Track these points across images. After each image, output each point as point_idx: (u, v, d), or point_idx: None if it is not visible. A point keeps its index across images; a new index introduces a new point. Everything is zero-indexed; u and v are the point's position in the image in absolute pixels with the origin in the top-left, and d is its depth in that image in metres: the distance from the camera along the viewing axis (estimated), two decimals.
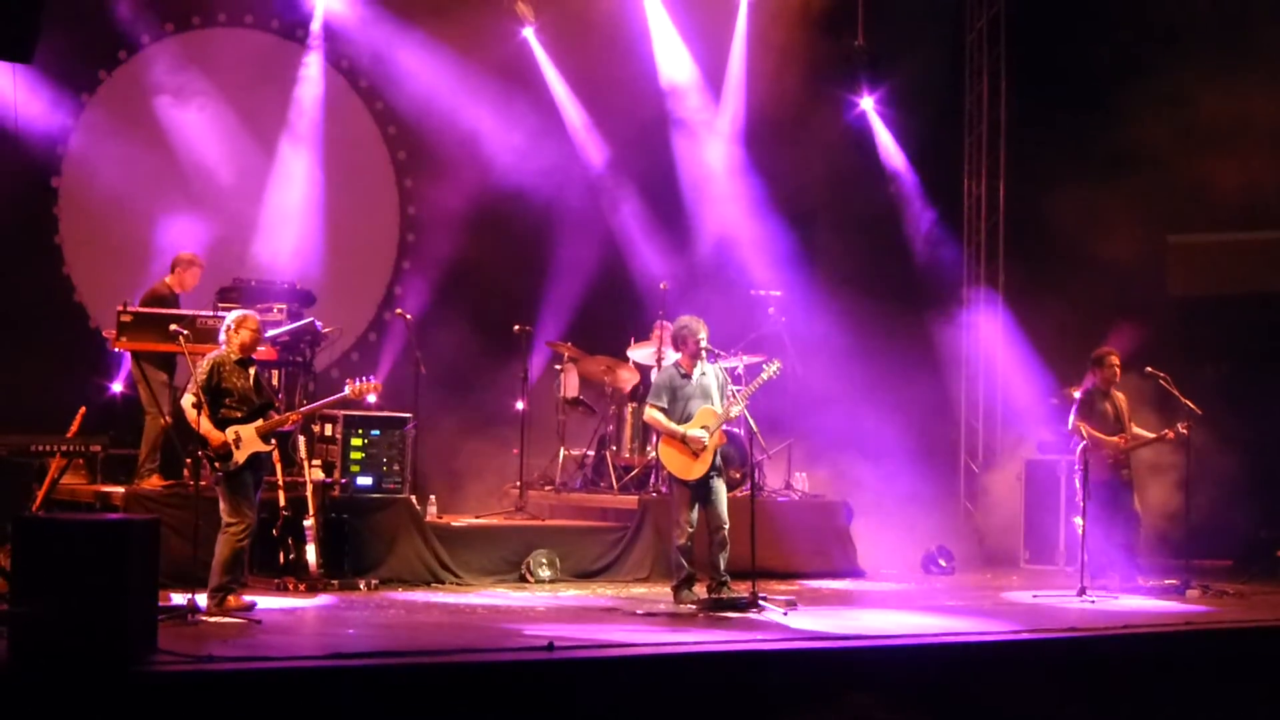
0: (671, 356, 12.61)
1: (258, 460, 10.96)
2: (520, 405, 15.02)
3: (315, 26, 16.16)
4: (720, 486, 12.06)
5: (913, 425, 17.62)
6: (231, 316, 11.23)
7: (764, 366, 12.42)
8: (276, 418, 11.15)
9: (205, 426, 10.75)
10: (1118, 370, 14.21)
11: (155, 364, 13.08)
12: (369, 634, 10.29)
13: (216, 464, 10.80)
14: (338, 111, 16.34)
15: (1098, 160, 17.18)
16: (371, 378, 11.95)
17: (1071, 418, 14.19)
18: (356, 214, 16.55)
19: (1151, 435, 14.08)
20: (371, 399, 12.67)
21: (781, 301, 15.48)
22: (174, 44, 15.78)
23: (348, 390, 11.64)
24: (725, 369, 12.83)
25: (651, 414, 12.08)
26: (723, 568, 11.90)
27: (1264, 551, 15.61)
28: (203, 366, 10.95)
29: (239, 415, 10.88)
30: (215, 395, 10.84)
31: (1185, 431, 13.86)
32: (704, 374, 12.11)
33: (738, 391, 12.28)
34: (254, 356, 11.26)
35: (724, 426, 12.16)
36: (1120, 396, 14.27)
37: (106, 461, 13.04)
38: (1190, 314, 17.01)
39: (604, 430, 15.30)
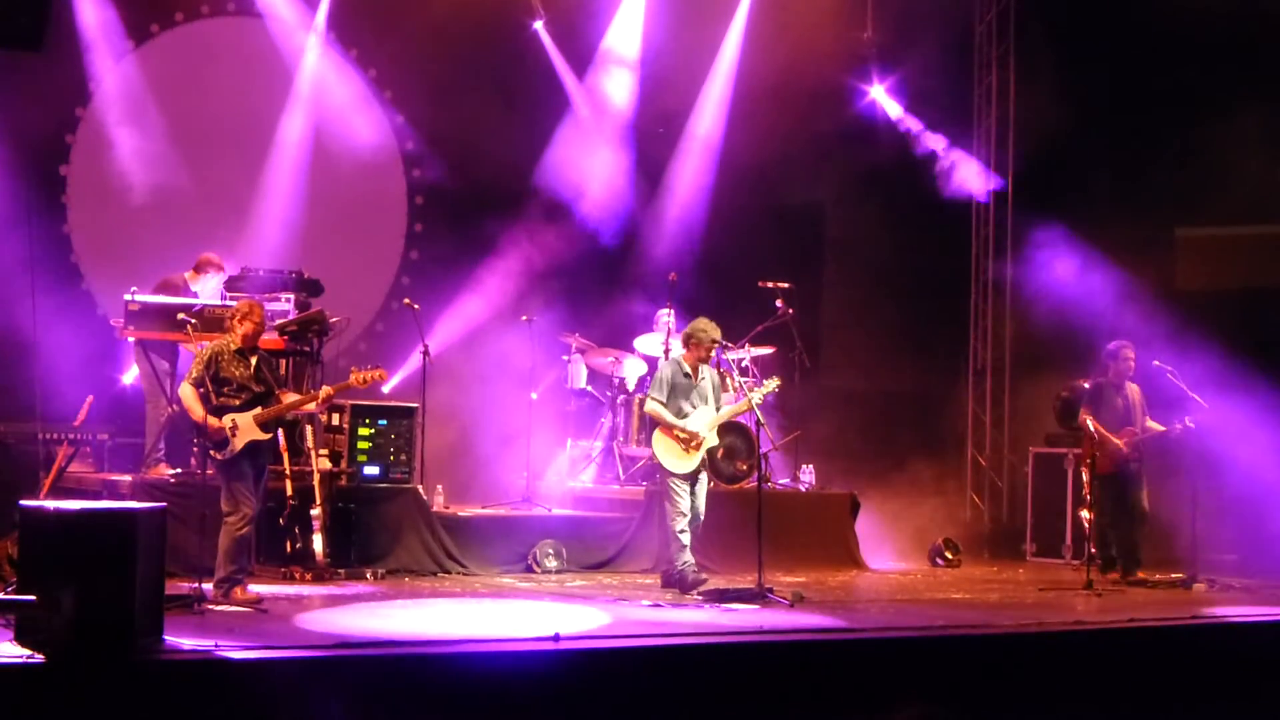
0: (677, 349, 12.63)
1: (257, 449, 10.94)
2: (534, 396, 15.07)
3: (322, 14, 16.15)
4: (704, 479, 12.26)
5: (920, 417, 17.64)
6: (239, 305, 11.24)
7: (764, 382, 12.48)
8: (283, 404, 11.13)
9: (201, 414, 10.76)
10: (1132, 363, 14.20)
11: (158, 352, 13.10)
12: (375, 623, 10.30)
13: (212, 451, 10.81)
14: (346, 100, 16.33)
15: (1106, 154, 17.16)
16: (373, 366, 11.97)
17: (1080, 411, 14.20)
18: (364, 204, 16.56)
19: (1161, 429, 14.07)
20: (385, 389, 12.66)
21: (789, 294, 15.46)
22: (183, 32, 15.80)
23: (352, 379, 11.62)
24: (729, 360, 12.83)
25: (652, 406, 12.17)
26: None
27: (1271, 545, 15.57)
28: (202, 354, 10.96)
29: (237, 404, 10.88)
30: (214, 383, 10.84)
31: (1191, 425, 13.85)
32: (703, 378, 12.21)
33: (744, 383, 12.31)
34: (261, 346, 11.27)
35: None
36: (1134, 389, 14.25)
37: (114, 450, 13.07)
38: (1198, 307, 16.96)
39: (611, 421, 15.31)
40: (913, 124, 17.96)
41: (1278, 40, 16.30)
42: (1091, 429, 13.89)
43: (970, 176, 17.90)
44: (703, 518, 12.25)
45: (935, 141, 17.91)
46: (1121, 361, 14.20)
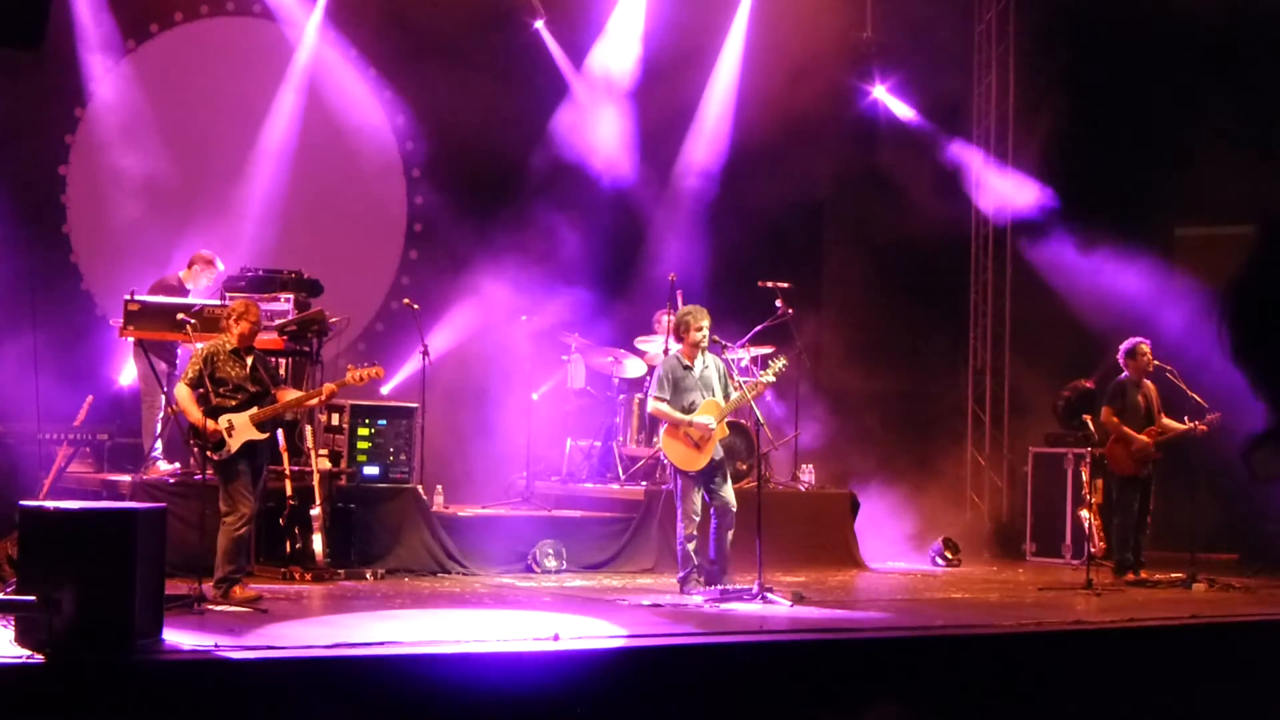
0: (675, 347, 12.59)
1: (254, 449, 10.93)
2: (534, 396, 15.07)
3: (318, 12, 16.13)
4: (725, 471, 12.10)
5: (920, 417, 17.65)
6: (234, 304, 11.23)
7: (770, 362, 12.41)
8: (280, 403, 11.10)
9: (196, 415, 10.75)
10: (1150, 360, 14.13)
11: (157, 353, 13.10)
12: (374, 623, 10.29)
13: (209, 452, 10.80)
14: (346, 100, 16.34)
15: (1106, 153, 17.16)
16: (370, 363, 11.96)
17: (1102, 410, 14.14)
18: (364, 203, 16.56)
19: (1181, 427, 14.01)
20: (385, 390, 12.62)
21: (789, 294, 15.46)
22: (182, 32, 15.79)
23: (349, 376, 11.60)
24: (730, 360, 12.79)
25: (656, 405, 12.03)
26: (727, 549, 11.91)
27: (1270, 545, 15.58)
28: (197, 355, 10.95)
29: (233, 404, 10.86)
30: (210, 383, 10.82)
31: (1213, 421, 13.79)
32: (706, 366, 12.07)
33: (744, 382, 12.27)
34: (260, 346, 11.26)
35: (729, 417, 12.16)
36: (1151, 387, 14.20)
37: (113, 450, 13.06)
38: (1198, 307, 16.97)
39: (611, 421, 15.31)
40: (923, 128, 17.96)
41: (1277, 41, 16.30)
42: (1114, 428, 13.87)
43: (1007, 190, 17.90)
44: (734, 509, 11.92)
45: (966, 153, 17.96)
46: (1139, 358, 14.11)
